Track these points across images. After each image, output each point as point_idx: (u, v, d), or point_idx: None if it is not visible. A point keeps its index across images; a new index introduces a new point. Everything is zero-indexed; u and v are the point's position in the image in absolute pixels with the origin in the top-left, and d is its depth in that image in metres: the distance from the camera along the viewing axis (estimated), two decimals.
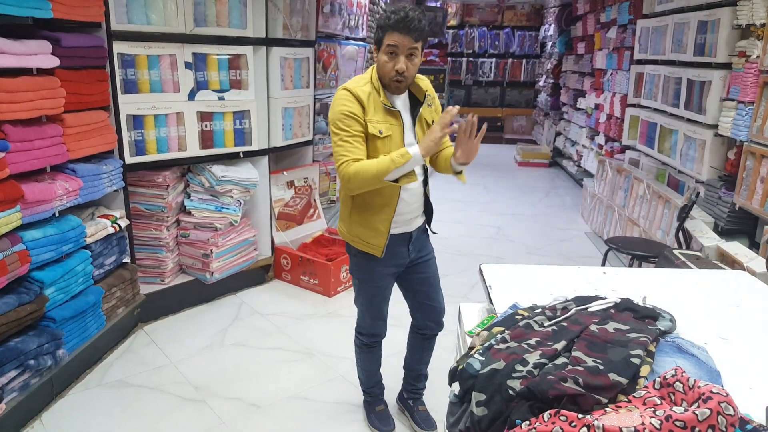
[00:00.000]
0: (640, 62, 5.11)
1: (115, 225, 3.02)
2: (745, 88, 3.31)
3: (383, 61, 2.03)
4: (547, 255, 4.99)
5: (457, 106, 1.99)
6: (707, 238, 3.27)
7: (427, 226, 2.36)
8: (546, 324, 1.37)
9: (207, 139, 3.52)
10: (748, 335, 1.51)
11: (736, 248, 3.00)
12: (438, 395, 2.65)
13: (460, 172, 2.22)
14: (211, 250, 3.55)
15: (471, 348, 1.32)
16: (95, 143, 2.88)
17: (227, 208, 3.61)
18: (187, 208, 3.59)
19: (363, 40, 5.25)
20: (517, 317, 1.43)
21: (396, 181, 2.05)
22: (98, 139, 2.90)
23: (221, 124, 3.57)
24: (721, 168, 3.68)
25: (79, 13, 2.70)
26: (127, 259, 3.23)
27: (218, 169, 3.56)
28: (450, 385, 1.26)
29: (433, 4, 9.64)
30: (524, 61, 10.81)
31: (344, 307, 3.75)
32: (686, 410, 0.88)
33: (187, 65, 3.31)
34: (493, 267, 1.93)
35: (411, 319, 2.51)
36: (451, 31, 10.75)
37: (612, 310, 1.44)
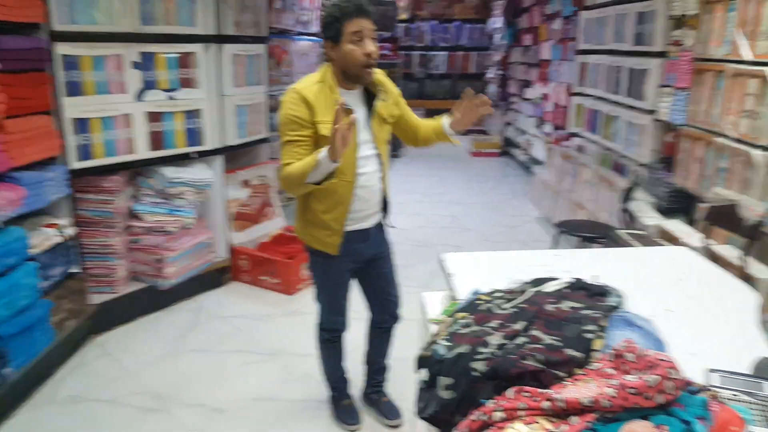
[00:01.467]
0: (583, 52, 5.29)
1: (61, 234, 2.90)
2: (680, 75, 3.50)
3: (350, 50, 1.97)
4: (502, 241, 5.13)
5: (355, 117, 1.88)
6: (649, 217, 3.45)
7: (383, 222, 2.36)
8: (506, 306, 1.44)
9: (157, 140, 3.45)
10: (689, 307, 1.62)
11: (676, 226, 3.18)
12: (403, 385, 2.71)
13: (450, 137, 2.26)
14: (165, 255, 3.47)
15: (436, 335, 1.38)
16: (38, 149, 2.77)
17: (180, 211, 3.54)
18: (137, 212, 3.48)
19: (316, 35, 5.24)
20: (478, 302, 1.50)
21: (319, 183, 2.00)
22: (41, 145, 2.79)
23: (172, 125, 3.50)
24: (660, 151, 3.88)
25: (17, 14, 2.60)
26: (75, 269, 3.11)
27: (170, 171, 3.49)
28: (417, 372, 1.31)
29: None
30: (474, 53, 10.99)
31: (306, 305, 3.76)
32: (638, 378, 0.96)
33: (135, 65, 3.24)
34: (452, 256, 2.00)
35: (369, 315, 2.57)
36: (402, 25, 10.82)
37: (566, 290, 1.53)
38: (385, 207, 2.31)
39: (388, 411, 2.62)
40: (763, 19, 2.66)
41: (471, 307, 1.47)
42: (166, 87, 3.42)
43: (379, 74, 2.16)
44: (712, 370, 1.22)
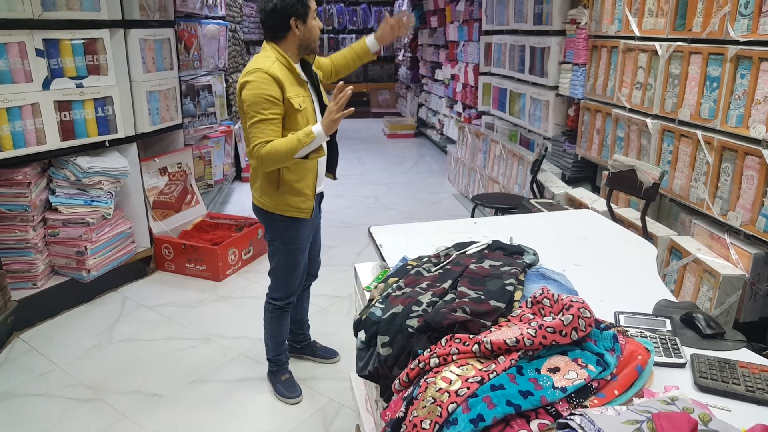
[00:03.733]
0: (488, 33, 5.52)
1: None
2: (578, 52, 3.77)
3: (314, 25, 2.22)
4: (422, 218, 5.31)
5: (350, 88, 2.11)
6: (557, 186, 3.72)
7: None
8: (433, 269, 1.56)
9: (68, 129, 3.31)
10: (596, 260, 1.81)
11: (582, 193, 3.46)
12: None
13: (375, 54, 2.50)
14: (85, 246, 3.37)
15: (371, 300, 1.48)
16: None
17: (98, 201, 3.44)
18: (53, 204, 3.36)
19: (223, 18, 5.13)
20: (408, 267, 1.61)
21: (306, 157, 2.16)
22: None
23: (82, 113, 3.37)
24: (563, 125, 4.16)
25: None
26: None
27: (84, 161, 3.37)
28: (356, 335, 1.40)
29: None
30: None
31: (235, 290, 3.76)
32: (554, 319, 1.10)
33: (38, 53, 3.08)
34: (380, 228, 2.10)
35: None
36: None
37: (486, 251, 1.67)
38: (331, 161, 2.50)
39: (324, 353, 2.89)
40: None
41: (401, 271, 1.58)
42: (73, 75, 3.28)
43: None
44: (619, 312, 1.39)
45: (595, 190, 3.77)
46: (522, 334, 1.08)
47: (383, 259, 1.86)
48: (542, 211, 3.14)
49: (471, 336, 1.14)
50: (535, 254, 1.69)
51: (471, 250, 1.67)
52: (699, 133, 2.52)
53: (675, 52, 2.70)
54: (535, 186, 3.85)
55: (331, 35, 10.98)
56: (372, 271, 1.90)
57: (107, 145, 3.54)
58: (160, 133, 4.02)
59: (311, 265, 2.72)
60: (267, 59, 2.20)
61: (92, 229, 3.41)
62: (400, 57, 10.41)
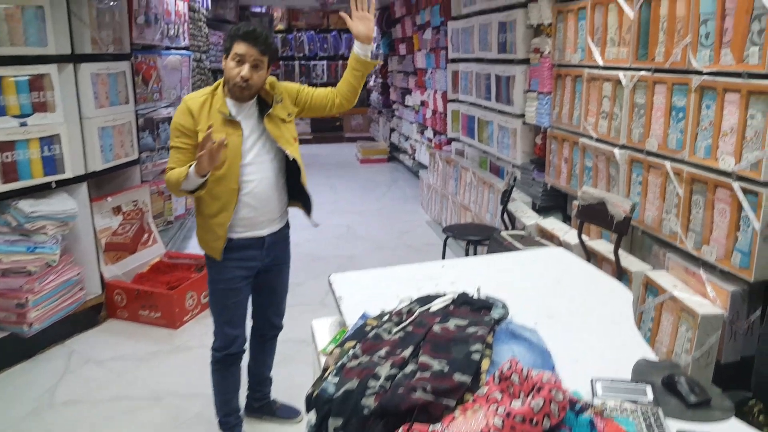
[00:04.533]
0: (454, 61, 5.50)
1: None
2: (542, 81, 3.73)
3: (230, 67, 2.15)
4: (395, 248, 5.20)
5: (223, 138, 2.04)
6: (527, 217, 3.63)
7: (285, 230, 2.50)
8: (394, 331, 1.43)
9: (9, 171, 3.12)
10: (570, 310, 1.70)
11: (553, 224, 3.37)
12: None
13: (366, 58, 2.38)
14: (27, 298, 3.13)
15: (325, 369, 1.34)
16: None
17: (42, 248, 3.22)
18: None
19: (186, 48, 5.00)
20: (366, 328, 1.48)
21: (192, 192, 2.14)
22: None
23: (25, 153, 3.18)
24: (531, 153, 4.11)
25: None
26: None
27: (26, 204, 3.17)
28: (308, 412, 1.26)
29: (258, 10, 9.47)
30: None
31: (193, 338, 3.54)
32: (523, 403, 0.98)
33: None
34: (341, 277, 1.98)
35: (252, 322, 2.56)
36: (279, 36, 10.69)
37: (451, 306, 1.55)
38: (305, 204, 2.49)
39: (288, 412, 2.71)
40: (609, 27, 2.89)
41: (359, 334, 1.44)
42: (17, 113, 3.11)
43: (276, 85, 2.32)
44: (596, 379, 1.27)
45: (567, 218, 3.70)
46: (488, 424, 0.96)
47: (342, 314, 1.72)
48: (514, 246, 3.04)
49: (431, 428, 1.01)
50: (504, 307, 1.57)
51: (435, 306, 1.55)
52: (668, 163, 2.46)
53: (639, 81, 2.65)
54: (506, 216, 3.76)
55: (302, 62, 10.96)
56: (330, 329, 1.76)
57: (54, 186, 3.34)
58: (114, 171, 3.85)
59: (271, 315, 2.55)
60: (200, 91, 2.24)
61: (35, 279, 3.19)
62: (372, 83, 10.41)
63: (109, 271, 3.77)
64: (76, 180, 3.47)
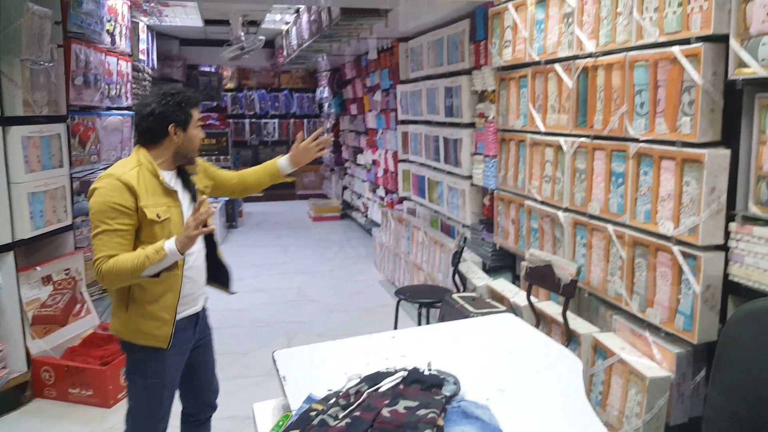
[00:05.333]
0: (404, 122, 5.62)
1: None
2: (488, 144, 3.83)
3: (196, 135, 2.13)
4: (348, 310, 5.09)
5: (214, 206, 2.12)
6: (478, 278, 3.64)
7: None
8: (341, 416, 1.35)
9: None
10: (521, 383, 1.66)
11: (503, 285, 3.38)
12: None
13: (284, 175, 2.43)
14: None
15: None
16: None
17: None
18: None
19: (129, 108, 4.91)
20: (312, 413, 1.39)
21: (157, 275, 1.97)
22: None
23: None
24: (480, 213, 4.17)
25: None
26: None
27: None
28: None
29: (207, 69, 9.52)
30: (306, 120, 11.24)
31: None
32: None
33: None
34: (286, 353, 1.88)
35: (181, 407, 2.37)
36: (229, 94, 10.75)
37: (401, 386, 1.49)
38: (222, 276, 2.36)
39: None
40: (549, 95, 3.01)
41: (303, 420, 1.35)
42: None
43: None
44: None
45: (516, 278, 3.72)
46: None
47: (286, 397, 1.63)
48: (465, 309, 3.02)
49: None
50: (455, 383, 1.52)
51: (385, 385, 1.48)
52: (610, 227, 2.52)
53: (579, 147, 2.74)
54: (457, 278, 3.75)
55: (253, 120, 10.99)
56: (273, 413, 1.66)
57: None
58: (45, 238, 3.62)
59: (203, 395, 2.36)
60: (126, 164, 2.04)
61: None
62: None
63: (36, 346, 3.48)
64: (2, 249, 3.24)
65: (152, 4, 5.28)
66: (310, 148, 2.45)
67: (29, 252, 3.65)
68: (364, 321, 4.78)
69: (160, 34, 7.23)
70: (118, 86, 4.61)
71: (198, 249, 2.16)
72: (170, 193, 2.07)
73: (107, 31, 4.30)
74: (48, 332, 3.59)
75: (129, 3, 4.85)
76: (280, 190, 11.04)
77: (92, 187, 1.98)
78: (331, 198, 10.17)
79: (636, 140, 2.34)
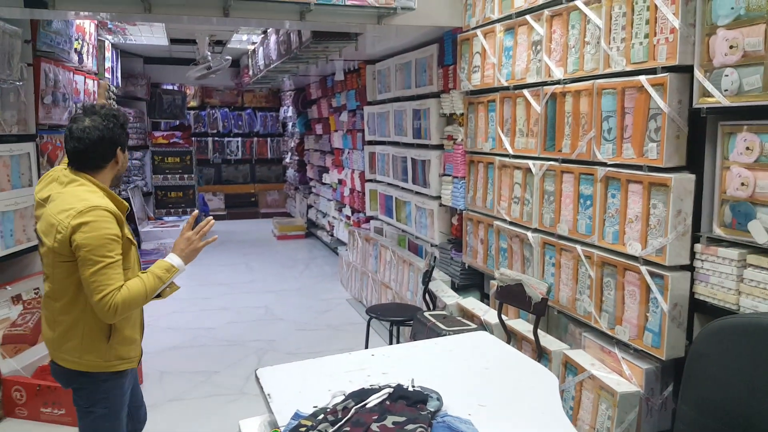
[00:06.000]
0: (371, 143, 5.70)
1: None
2: (456, 166, 3.93)
3: (126, 157, 2.16)
4: (316, 328, 5.08)
5: (212, 219, 2.17)
6: (448, 296, 3.71)
7: None
8: (330, 431, 1.39)
9: None
10: (500, 399, 1.73)
11: (473, 303, 3.46)
12: None
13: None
14: None
15: None
16: None
17: None
18: None
19: None
20: (301, 429, 1.42)
21: (159, 295, 2.06)
22: None
23: None
24: (448, 233, 4.25)
25: None
26: None
27: None
28: None
29: (170, 87, 9.42)
30: (269, 139, 11.25)
31: None
32: None
33: None
34: (269, 371, 1.90)
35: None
36: (192, 113, 10.65)
37: (387, 402, 1.53)
38: None
39: None
40: (518, 119, 3.14)
41: None
42: None
43: None
44: None
45: (485, 296, 3.82)
46: None
47: (272, 412, 1.64)
48: (437, 326, 3.08)
49: None
50: (439, 398, 1.58)
51: (372, 401, 1.53)
52: (578, 247, 2.63)
53: (548, 170, 2.86)
54: (427, 296, 3.82)
55: (216, 138, 10.92)
56: (260, 430, 1.67)
57: None
58: (15, 257, 3.59)
59: (138, 412, 2.37)
60: (94, 194, 1.96)
61: None
62: (288, 159, 10.49)
63: (6, 365, 3.44)
64: None
65: (117, 23, 5.24)
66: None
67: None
68: (334, 339, 4.79)
69: (124, 52, 7.15)
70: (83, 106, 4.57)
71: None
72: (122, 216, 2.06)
73: (75, 49, 4.26)
74: (18, 351, 3.56)
75: (96, 22, 4.80)
76: (242, 209, 10.96)
77: (74, 222, 1.87)
78: (296, 216, 10.13)
79: (604, 164, 2.47)
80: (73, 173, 2.00)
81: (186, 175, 8.20)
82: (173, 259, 2.02)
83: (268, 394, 1.72)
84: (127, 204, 2.12)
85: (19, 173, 3.54)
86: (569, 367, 2.59)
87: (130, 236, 2.05)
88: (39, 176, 3.77)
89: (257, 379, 1.84)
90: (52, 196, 1.98)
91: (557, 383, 1.83)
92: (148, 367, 4.06)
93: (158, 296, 2.04)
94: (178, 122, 9.15)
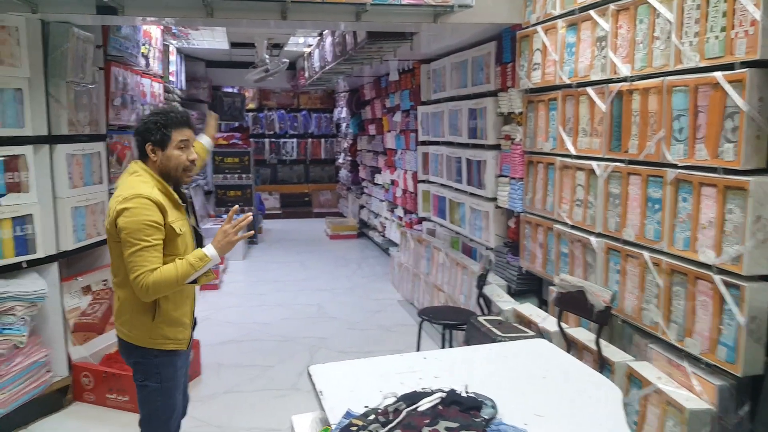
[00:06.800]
0: (424, 143, 5.65)
1: None
2: (514, 167, 3.84)
3: (176, 156, 2.18)
4: (368, 328, 5.09)
5: (250, 215, 2.22)
6: (504, 301, 3.62)
7: None
8: None
9: None
10: (559, 409, 1.66)
11: (530, 309, 3.37)
12: None
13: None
14: None
15: None
16: None
17: (10, 329, 3.13)
18: None
19: None
20: (352, 428, 1.42)
21: (195, 281, 2.14)
22: None
23: None
24: (504, 236, 4.16)
25: None
26: None
27: None
28: None
29: (230, 90, 9.68)
30: (323, 140, 11.40)
31: None
32: None
33: None
34: (321, 369, 1.91)
35: None
36: (251, 114, 10.92)
37: (440, 406, 1.50)
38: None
39: None
40: (581, 118, 3.02)
41: None
42: None
43: None
44: None
45: (543, 303, 3.71)
46: None
47: (324, 410, 1.64)
48: (492, 332, 3.01)
49: None
50: (493, 406, 1.54)
51: (424, 405, 1.50)
52: (646, 254, 2.51)
53: (613, 172, 2.75)
54: (482, 300, 3.75)
55: (273, 139, 11.17)
56: (311, 426, 1.68)
57: (25, 266, 3.27)
58: (86, 250, 3.78)
59: (185, 398, 2.48)
60: (145, 184, 2.13)
61: (1, 361, 3.06)
62: (341, 160, 10.59)
63: (76, 352, 3.65)
64: (47, 260, 3.42)
65: (181, 28, 5.41)
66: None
67: (71, 263, 3.81)
68: (385, 339, 4.78)
69: (188, 57, 7.40)
70: (151, 107, 4.77)
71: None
72: (179, 206, 2.22)
73: (142, 54, 4.44)
74: (87, 339, 3.76)
75: (162, 27, 4.97)
76: (296, 208, 11.15)
77: (119, 207, 2.05)
78: (348, 217, 10.21)
79: (674, 166, 2.34)
80: (136, 164, 2.20)
81: (244, 175, 8.40)
82: (209, 249, 2.10)
83: (320, 392, 1.73)
84: (177, 196, 2.20)
85: (90, 171, 3.72)
86: (633, 380, 2.48)
87: (177, 228, 2.13)
88: (108, 175, 3.98)
89: (310, 376, 1.86)
90: (118, 184, 2.21)
91: (620, 396, 1.75)
92: (206, 359, 4.18)
93: (194, 282, 2.13)
94: (237, 124, 9.38)
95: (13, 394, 3.13)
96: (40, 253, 3.33)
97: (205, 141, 2.94)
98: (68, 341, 3.59)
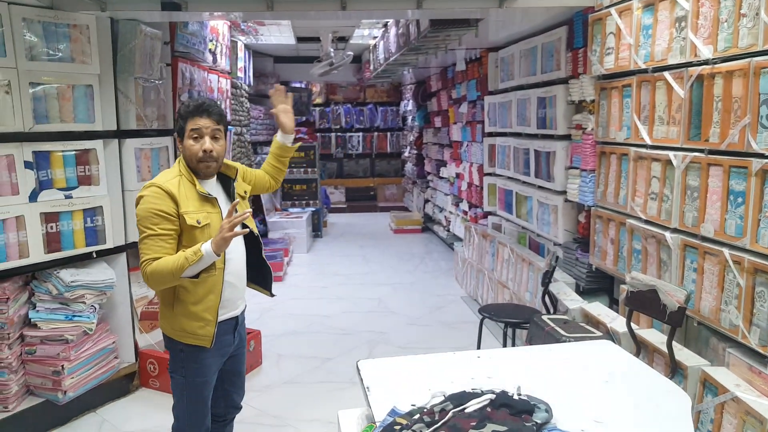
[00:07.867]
0: (491, 135, 5.50)
1: None
2: (585, 158, 3.64)
3: (189, 145, 2.14)
4: (428, 324, 5.03)
5: (250, 211, 2.13)
6: (571, 300, 3.45)
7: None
8: None
9: (53, 241, 3.19)
10: (621, 415, 1.54)
11: (599, 309, 3.19)
12: None
13: (289, 144, 2.56)
14: (63, 365, 3.15)
15: None
16: None
17: (80, 316, 3.26)
18: (32, 320, 3.19)
19: (228, 123, 5.16)
20: (396, 427, 1.37)
21: (196, 276, 2.08)
22: None
23: (69, 224, 3.26)
24: (574, 231, 3.97)
25: None
26: None
27: (67, 274, 3.22)
28: None
29: (298, 85, 9.85)
30: (389, 133, 11.39)
31: None
32: None
33: (27, 165, 3.03)
34: (370, 364, 1.87)
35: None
36: (317, 109, 11.08)
37: (488, 408, 1.42)
38: (265, 277, 2.40)
39: None
40: (657, 105, 2.82)
41: None
42: (62, 186, 3.22)
43: (233, 163, 2.36)
44: None
45: (614, 302, 3.51)
46: None
47: (370, 406, 1.61)
48: (557, 332, 2.87)
49: None
50: (547, 410, 1.44)
51: (471, 406, 1.42)
52: (726, 251, 2.30)
53: (692, 162, 2.54)
54: (547, 298, 3.59)
55: (339, 134, 11.27)
56: (357, 422, 1.64)
57: (94, 256, 3.41)
58: None
59: (231, 400, 2.45)
60: (168, 173, 2.18)
61: (71, 347, 3.21)
62: (407, 153, 10.55)
63: (143, 339, 3.80)
64: (116, 250, 3.56)
65: (249, 24, 5.53)
66: (280, 110, 2.54)
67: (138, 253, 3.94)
68: (446, 336, 4.70)
69: (255, 53, 7.56)
70: (218, 102, 4.88)
71: (238, 256, 2.24)
72: (209, 199, 2.16)
73: (209, 50, 4.55)
74: (153, 327, 3.89)
75: (229, 23, 5.09)
76: (361, 202, 11.22)
77: (138, 195, 2.12)
78: (413, 211, 10.16)
79: (761, 156, 2.12)
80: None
81: (310, 169, 8.53)
82: (205, 245, 2.02)
83: (368, 387, 1.70)
84: (203, 188, 2.15)
85: (158, 165, 3.84)
86: (708, 386, 2.29)
87: (191, 219, 2.08)
88: None
89: (358, 370, 1.82)
90: None
91: (690, 405, 1.60)
92: (267, 349, 4.26)
93: (196, 277, 2.08)
94: (303, 118, 9.53)
95: (82, 378, 3.29)
96: (109, 244, 3.46)
97: (279, 138, 2.61)
98: (135, 329, 3.74)
